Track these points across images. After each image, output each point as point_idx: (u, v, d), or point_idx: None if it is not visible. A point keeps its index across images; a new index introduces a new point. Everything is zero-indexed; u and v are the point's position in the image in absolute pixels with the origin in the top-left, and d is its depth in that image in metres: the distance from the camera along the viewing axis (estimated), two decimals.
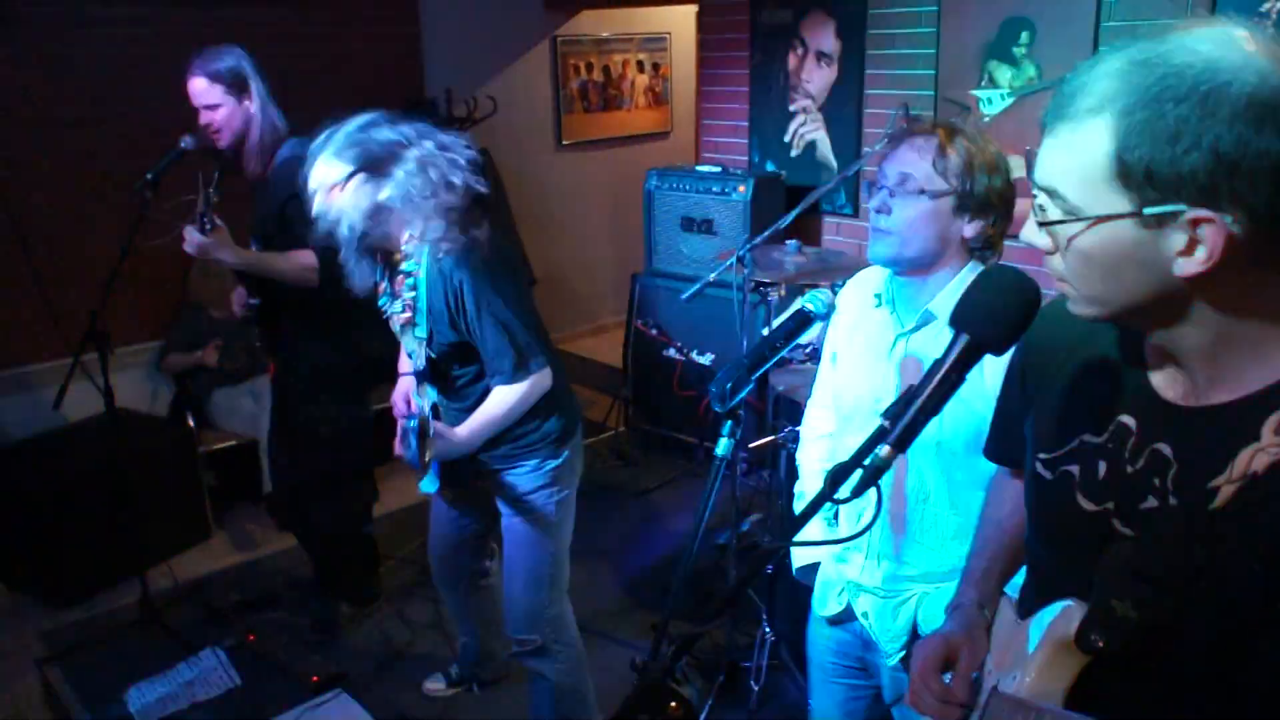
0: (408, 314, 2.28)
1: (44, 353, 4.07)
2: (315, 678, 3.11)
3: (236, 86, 2.91)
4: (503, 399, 2.29)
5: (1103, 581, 0.97)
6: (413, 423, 2.17)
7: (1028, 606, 1.14)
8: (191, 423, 4.12)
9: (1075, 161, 0.86)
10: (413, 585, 3.72)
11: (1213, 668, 0.94)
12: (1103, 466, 1.03)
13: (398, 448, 2.29)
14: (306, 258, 2.86)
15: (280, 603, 3.61)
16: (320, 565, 3.56)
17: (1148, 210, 0.83)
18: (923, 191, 1.62)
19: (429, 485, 2.44)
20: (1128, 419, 1.02)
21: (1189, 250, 0.84)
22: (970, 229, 1.65)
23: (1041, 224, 0.91)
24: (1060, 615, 1.03)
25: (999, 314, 0.97)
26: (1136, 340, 1.01)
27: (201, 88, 2.89)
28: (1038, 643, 1.05)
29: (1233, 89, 0.79)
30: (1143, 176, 0.82)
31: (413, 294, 2.26)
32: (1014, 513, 1.30)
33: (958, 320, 0.98)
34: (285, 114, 3.03)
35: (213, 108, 2.91)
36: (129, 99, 4.18)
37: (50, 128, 4.09)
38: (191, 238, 2.76)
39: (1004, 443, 1.31)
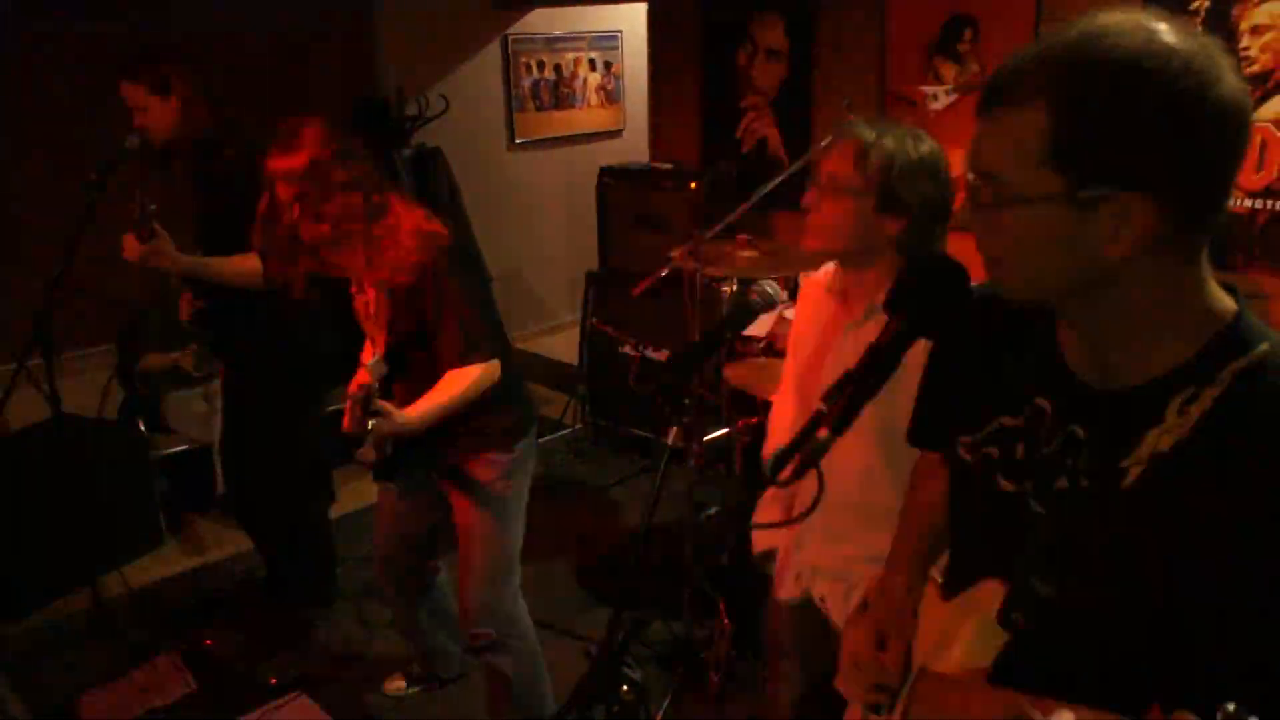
0: (373, 302, 2.33)
1: None
2: (273, 680, 3.09)
3: (160, 87, 2.88)
4: (450, 383, 2.29)
5: (1023, 561, 1.01)
6: (360, 396, 2.17)
7: (952, 587, 1.18)
8: (143, 427, 4.06)
9: (1012, 144, 0.89)
10: (371, 586, 3.69)
11: (1129, 644, 0.98)
12: (1020, 448, 1.07)
13: (346, 424, 2.26)
14: (249, 263, 2.83)
15: (237, 606, 3.57)
16: (276, 567, 3.53)
17: (1080, 192, 0.87)
18: (842, 189, 1.70)
19: (381, 474, 2.40)
20: (1043, 401, 1.05)
21: (1115, 231, 0.88)
22: (894, 226, 1.70)
23: (977, 205, 0.94)
24: (983, 594, 1.06)
25: (930, 299, 1.00)
26: (1052, 324, 1.05)
27: (128, 90, 2.88)
28: (962, 622, 1.09)
29: (1161, 80, 0.83)
30: (1077, 159, 0.86)
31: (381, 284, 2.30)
32: (938, 497, 1.33)
33: (891, 305, 1.02)
34: (235, 113, 3.01)
35: (142, 109, 2.89)
36: (71, 99, 4.12)
37: None
38: (131, 246, 2.73)
39: (926, 427, 1.34)
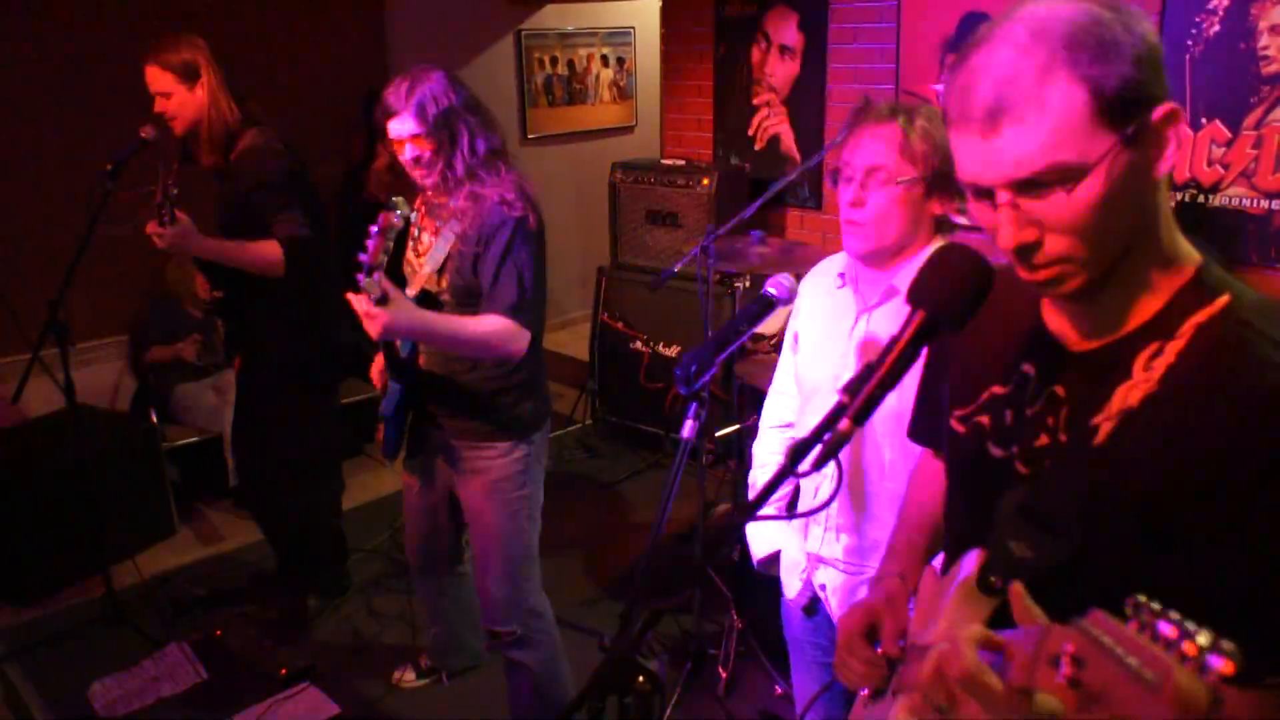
0: (432, 245, 2.36)
1: (3, 348, 4.02)
2: (283, 670, 3.10)
3: (188, 74, 2.89)
4: (487, 322, 2.25)
5: (999, 524, 1.02)
6: (397, 214, 2.08)
7: (947, 563, 1.18)
8: (155, 418, 4.08)
9: (1057, 125, 0.91)
10: (381, 577, 3.72)
11: (1112, 603, 0.98)
12: (1009, 415, 1.10)
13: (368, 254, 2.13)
14: (271, 249, 2.85)
15: (247, 596, 3.58)
16: (287, 558, 3.54)
17: (1131, 129, 0.91)
18: (894, 181, 1.64)
19: (391, 453, 2.38)
20: (1028, 367, 1.09)
21: (1161, 150, 0.94)
22: (939, 206, 1.69)
23: (1069, 191, 0.92)
24: (966, 563, 1.07)
25: (952, 291, 0.99)
26: (1036, 295, 1.08)
27: (154, 75, 2.89)
28: (950, 589, 1.09)
29: (1112, 13, 0.91)
30: (1119, 100, 0.91)
31: (453, 227, 2.32)
32: (935, 492, 1.34)
33: (913, 297, 1.01)
34: (247, 103, 3.02)
35: (165, 95, 2.90)
36: (87, 87, 4.13)
37: (5, 117, 4.02)
38: (155, 232, 2.74)
39: (926, 424, 1.35)
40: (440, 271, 2.36)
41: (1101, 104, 0.90)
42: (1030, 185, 0.93)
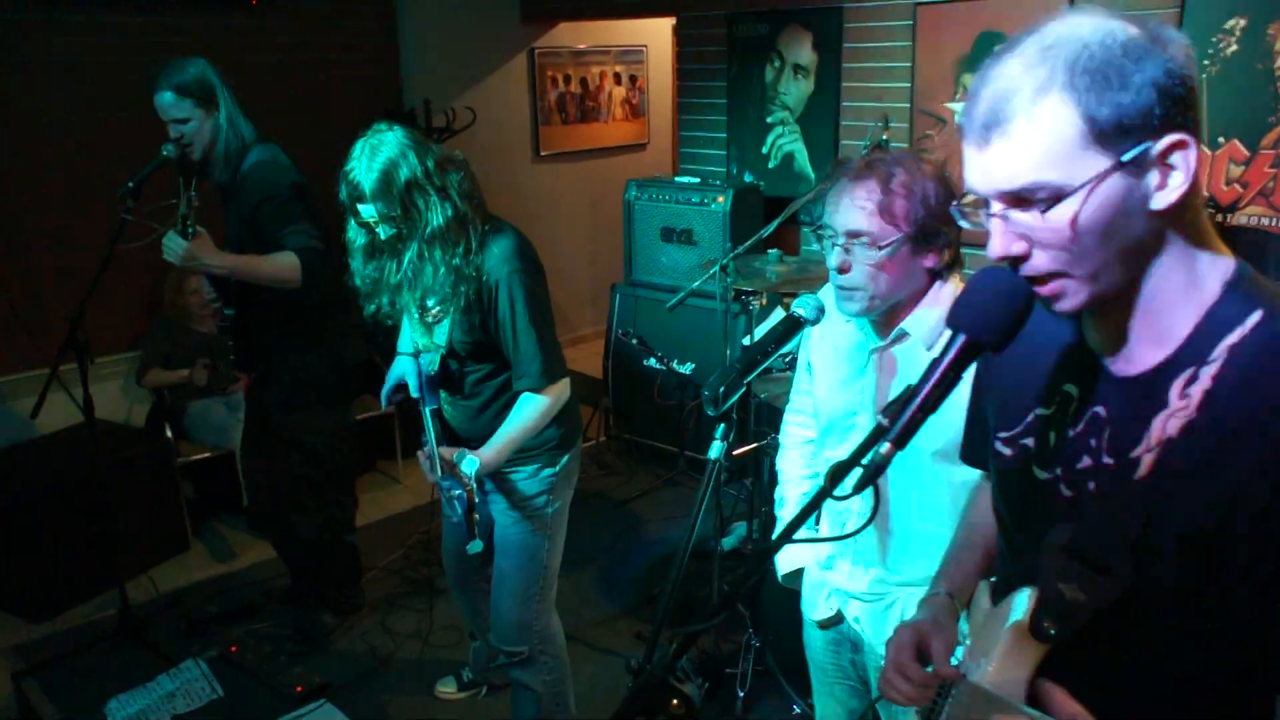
0: (437, 309, 2.33)
1: (19, 364, 4.04)
2: (299, 688, 3.10)
3: (205, 99, 2.90)
4: (533, 407, 2.30)
5: (1047, 565, 1.01)
6: (458, 491, 2.22)
7: (1001, 589, 1.18)
8: (169, 434, 4.09)
9: (1044, 145, 0.91)
10: (395, 595, 3.71)
11: (1166, 639, 0.98)
12: (1053, 436, 1.09)
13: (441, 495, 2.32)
14: (288, 259, 2.85)
15: (262, 613, 3.58)
16: (300, 575, 3.53)
17: (1126, 157, 0.90)
18: (878, 246, 1.61)
19: (476, 547, 2.38)
20: (1070, 388, 1.08)
21: (1165, 181, 0.92)
22: (930, 260, 1.65)
23: (1044, 210, 0.93)
24: (1022, 602, 1.06)
25: (993, 313, 0.99)
26: (1078, 317, 1.07)
27: (169, 101, 2.88)
28: (998, 630, 1.08)
29: (1138, 38, 0.90)
30: (1113, 128, 0.89)
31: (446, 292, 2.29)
32: (988, 514, 1.32)
33: (954, 320, 1.01)
34: (263, 123, 3.03)
35: (181, 121, 2.90)
36: (105, 106, 4.16)
37: (24, 135, 4.05)
38: (174, 246, 2.74)
39: (977, 445, 1.34)
40: (453, 341, 2.36)
41: (1094, 129, 0.90)
42: (1017, 199, 0.94)
